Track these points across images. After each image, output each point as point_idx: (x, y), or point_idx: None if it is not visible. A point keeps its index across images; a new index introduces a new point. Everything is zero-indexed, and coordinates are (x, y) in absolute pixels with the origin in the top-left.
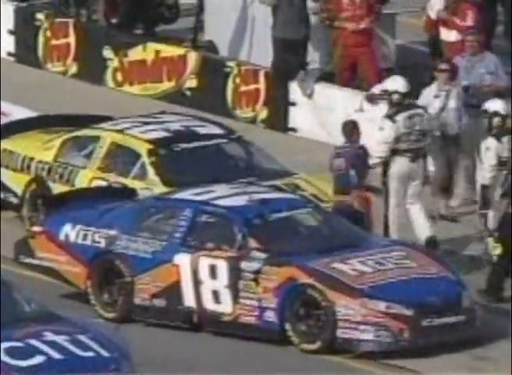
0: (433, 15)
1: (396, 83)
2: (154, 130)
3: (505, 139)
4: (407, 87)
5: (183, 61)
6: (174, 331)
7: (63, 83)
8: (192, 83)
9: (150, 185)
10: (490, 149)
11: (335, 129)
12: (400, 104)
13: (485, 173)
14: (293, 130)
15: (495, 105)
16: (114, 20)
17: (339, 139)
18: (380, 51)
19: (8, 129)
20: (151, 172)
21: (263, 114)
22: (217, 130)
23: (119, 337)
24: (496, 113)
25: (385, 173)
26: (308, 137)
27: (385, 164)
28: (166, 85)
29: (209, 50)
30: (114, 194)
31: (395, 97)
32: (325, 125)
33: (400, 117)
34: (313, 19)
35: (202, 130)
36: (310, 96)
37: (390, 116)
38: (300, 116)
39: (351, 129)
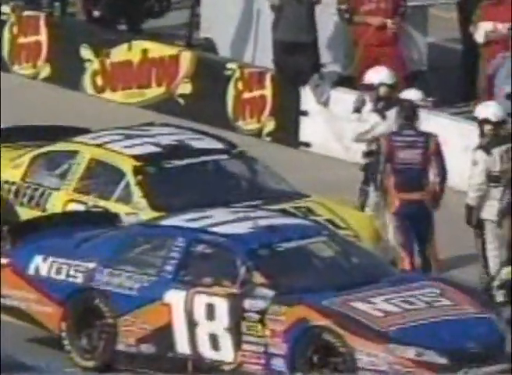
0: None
1: (488, 111)
2: (141, 144)
3: (496, 150)
4: (500, 116)
5: (176, 62)
6: None
7: (33, 89)
8: (186, 88)
9: (136, 209)
10: (478, 164)
11: (354, 143)
12: (496, 135)
13: (469, 192)
14: (306, 144)
15: (486, 110)
16: (94, 14)
17: (358, 155)
18: (409, 50)
19: None
20: (137, 193)
21: (270, 126)
22: (215, 145)
23: None
24: (486, 120)
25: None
26: (323, 153)
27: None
28: (155, 91)
29: (206, 49)
30: (93, 221)
31: (487, 128)
32: (342, 138)
33: (496, 151)
34: (327, 13)
35: (198, 145)
36: (325, 104)
37: (484, 148)
38: (314, 127)
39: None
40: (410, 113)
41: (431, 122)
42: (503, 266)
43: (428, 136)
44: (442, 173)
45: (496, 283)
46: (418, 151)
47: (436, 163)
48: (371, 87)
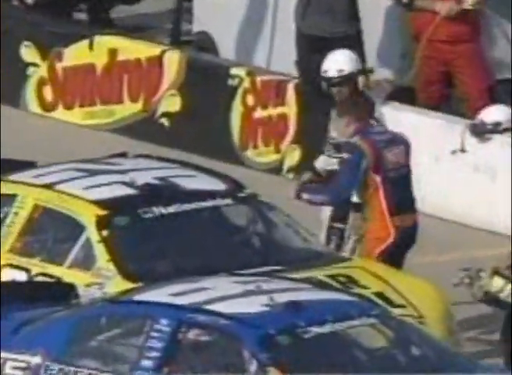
0: None
1: None
2: (107, 184)
3: None
4: None
5: (158, 67)
6: None
7: None
8: (172, 104)
9: (100, 278)
10: None
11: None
12: None
13: None
14: None
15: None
16: None
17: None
18: (492, 50)
19: None
20: (101, 256)
21: (293, 157)
22: (214, 185)
23: None
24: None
25: None
26: None
27: None
28: (129, 108)
29: (201, 48)
30: (39, 295)
31: None
32: None
33: None
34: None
35: (190, 185)
36: None
37: None
38: None
39: None
40: (371, 107)
41: None
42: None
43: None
44: None
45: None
46: (401, 147)
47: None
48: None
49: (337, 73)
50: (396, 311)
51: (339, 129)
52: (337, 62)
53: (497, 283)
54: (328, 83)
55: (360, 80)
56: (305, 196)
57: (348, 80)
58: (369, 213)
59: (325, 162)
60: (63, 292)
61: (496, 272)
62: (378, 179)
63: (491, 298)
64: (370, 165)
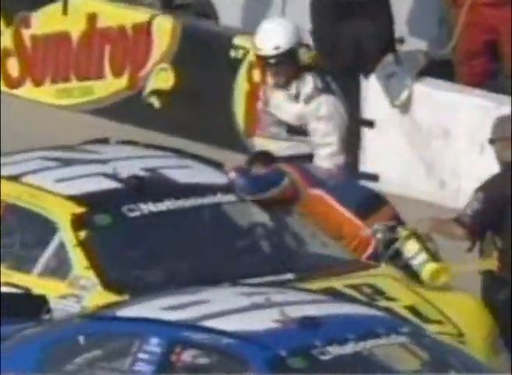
0: None
1: None
2: (85, 175)
3: None
4: None
5: (146, 36)
6: None
7: None
8: (164, 80)
9: (77, 289)
10: None
11: (449, 171)
12: None
13: None
14: (371, 176)
15: None
16: None
17: (461, 197)
18: None
19: None
20: (78, 262)
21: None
22: (214, 177)
23: None
24: None
25: None
26: (400, 192)
27: None
28: (111, 85)
29: (198, 13)
30: (3, 309)
31: None
32: (433, 166)
33: None
34: None
35: (184, 177)
36: (404, 108)
37: None
38: (385, 148)
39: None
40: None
41: None
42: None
43: None
44: None
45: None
46: None
47: None
48: None
49: (273, 50)
50: (431, 328)
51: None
52: (271, 38)
53: (412, 247)
54: (264, 63)
55: (303, 53)
56: (232, 175)
57: (288, 58)
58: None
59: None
60: (32, 306)
61: (415, 234)
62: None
63: (401, 263)
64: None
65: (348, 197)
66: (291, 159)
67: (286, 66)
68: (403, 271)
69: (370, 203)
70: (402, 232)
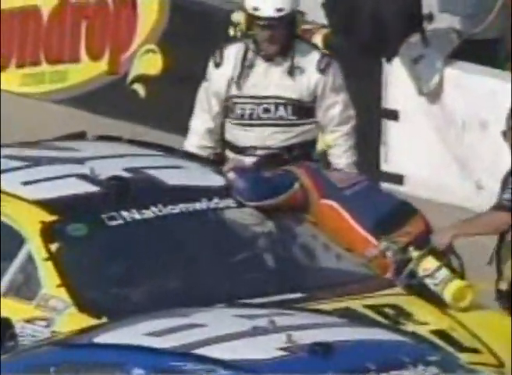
0: None
1: None
2: (57, 177)
3: None
4: None
5: (130, 10)
6: None
7: None
8: (151, 64)
9: (46, 311)
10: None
11: (486, 170)
12: None
13: None
14: (393, 178)
15: None
16: None
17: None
18: None
19: None
20: (48, 279)
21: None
22: (210, 180)
23: None
24: None
25: None
26: (426, 197)
27: None
28: (88, 70)
29: None
30: None
31: None
32: (467, 163)
33: None
34: None
35: (175, 179)
36: (433, 96)
37: None
38: (411, 142)
39: None
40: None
41: None
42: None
43: None
44: None
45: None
46: None
47: None
48: None
49: (275, 12)
50: (466, 357)
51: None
52: None
53: (430, 264)
54: (260, 24)
55: (299, 19)
56: (231, 176)
57: (287, 23)
58: None
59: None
60: None
61: (431, 251)
62: None
63: (417, 282)
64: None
65: (367, 210)
66: (300, 158)
67: (285, 33)
68: (420, 294)
69: (394, 215)
70: (413, 252)
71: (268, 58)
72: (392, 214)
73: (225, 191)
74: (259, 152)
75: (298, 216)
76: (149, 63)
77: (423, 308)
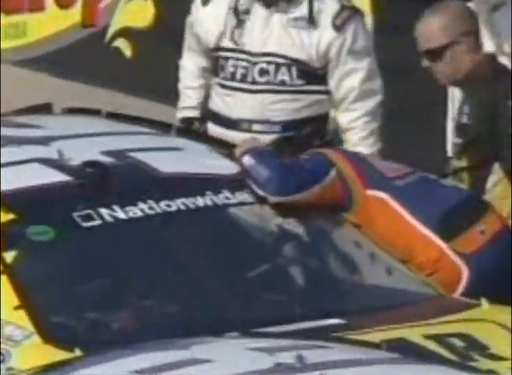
0: None
1: None
2: (15, 163)
3: None
4: None
5: None
6: None
7: None
8: (137, 14)
9: (7, 342)
10: None
11: None
12: None
13: None
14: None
15: None
16: None
17: None
18: None
19: None
20: (4, 299)
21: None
22: (218, 166)
23: None
24: None
25: None
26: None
27: None
28: (55, 22)
29: None
30: None
31: None
32: None
33: None
34: None
35: (171, 166)
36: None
37: None
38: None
39: None
40: None
41: None
42: None
43: None
44: None
45: None
46: None
47: None
48: None
49: None
50: None
51: None
52: None
53: None
54: None
55: None
56: (247, 161)
57: None
58: None
59: None
60: None
61: None
62: None
63: None
64: None
65: (428, 204)
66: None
67: None
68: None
69: (463, 211)
70: None
71: (269, 3)
72: (460, 209)
73: (238, 183)
74: (256, 128)
75: (336, 216)
76: (136, 14)
77: (502, 339)
